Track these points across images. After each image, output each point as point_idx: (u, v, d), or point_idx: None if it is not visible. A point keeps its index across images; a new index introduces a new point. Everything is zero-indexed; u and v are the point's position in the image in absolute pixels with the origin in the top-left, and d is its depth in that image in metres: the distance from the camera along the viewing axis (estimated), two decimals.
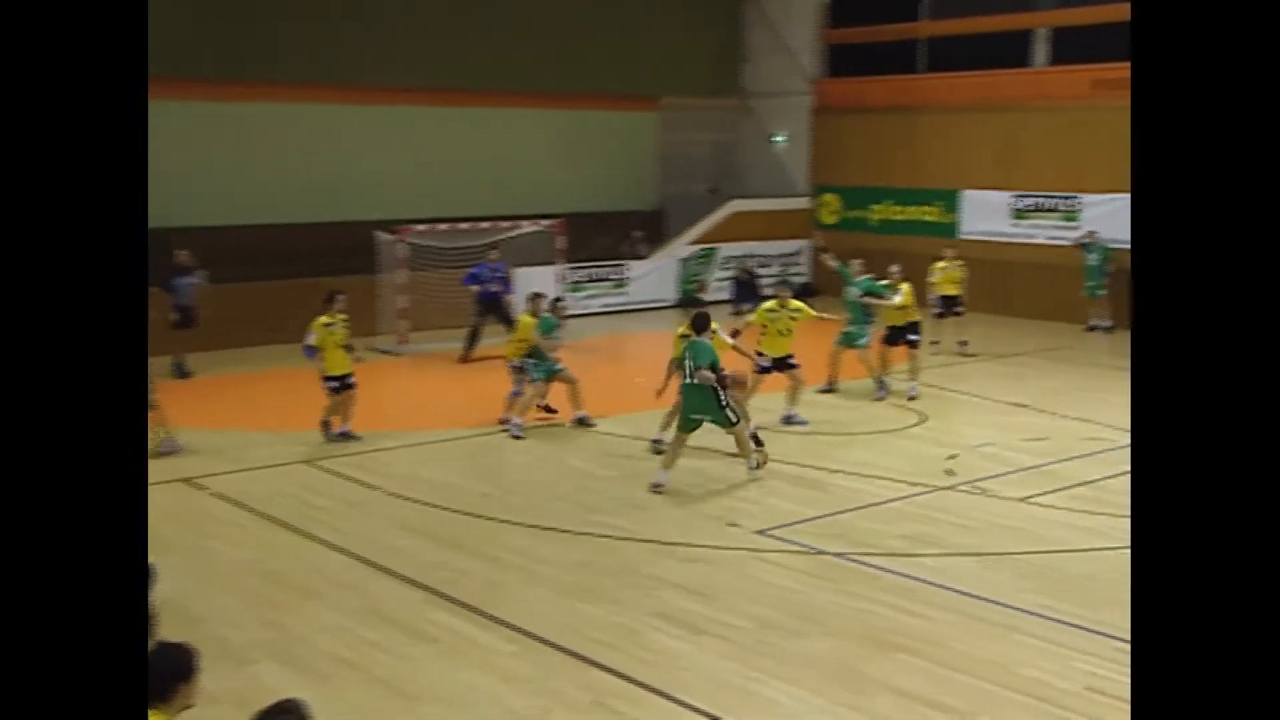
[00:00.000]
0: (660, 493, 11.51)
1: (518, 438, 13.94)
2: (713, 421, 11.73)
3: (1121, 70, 22.86)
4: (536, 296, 15.04)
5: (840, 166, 27.52)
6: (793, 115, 28.26)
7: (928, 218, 25.96)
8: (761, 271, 26.58)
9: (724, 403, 11.66)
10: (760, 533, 10.52)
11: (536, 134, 25.56)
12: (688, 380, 11.71)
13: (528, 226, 21.75)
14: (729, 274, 26.30)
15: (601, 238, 25.28)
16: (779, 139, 28.89)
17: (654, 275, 25.46)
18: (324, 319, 13.62)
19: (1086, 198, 23.29)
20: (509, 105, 24.78)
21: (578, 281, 23.73)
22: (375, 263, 20.27)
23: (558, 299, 15.66)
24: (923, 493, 11.85)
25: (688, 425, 11.82)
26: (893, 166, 26.62)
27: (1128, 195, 19.01)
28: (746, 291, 24.69)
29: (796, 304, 14.83)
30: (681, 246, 26.12)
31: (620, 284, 24.88)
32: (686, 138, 28.67)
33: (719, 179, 29.12)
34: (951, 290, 19.76)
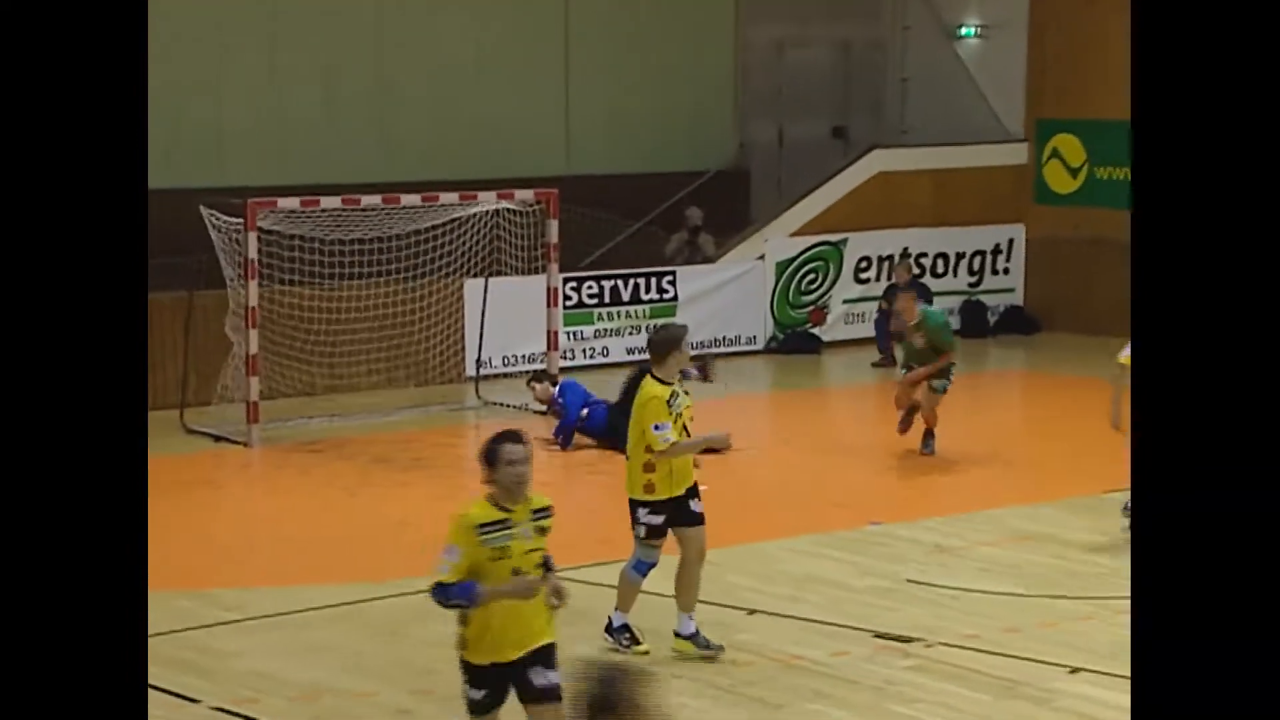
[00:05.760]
0: None
1: None
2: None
3: None
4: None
5: (1081, 82, 25.73)
6: None
7: None
8: (933, 280, 25.40)
9: None
10: None
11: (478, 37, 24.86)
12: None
13: (489, 202, 21.30)
14: (877, 291, 24.81)
15: (623, 220, 24.64)
16: (967, 32, 27.50)
17: (726, 292, 24.42)
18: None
19: None
20: None
21: (583, 304, 23.17)
22: (201, 267, 20.46)
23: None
24: None
25: None
26: None
27: None
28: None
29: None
30: (778, 238, 24.67)
31: (662, 308, 23.25)
32: (791, 33, 27.96)
33: (842, 113, 28.56)
34: None
